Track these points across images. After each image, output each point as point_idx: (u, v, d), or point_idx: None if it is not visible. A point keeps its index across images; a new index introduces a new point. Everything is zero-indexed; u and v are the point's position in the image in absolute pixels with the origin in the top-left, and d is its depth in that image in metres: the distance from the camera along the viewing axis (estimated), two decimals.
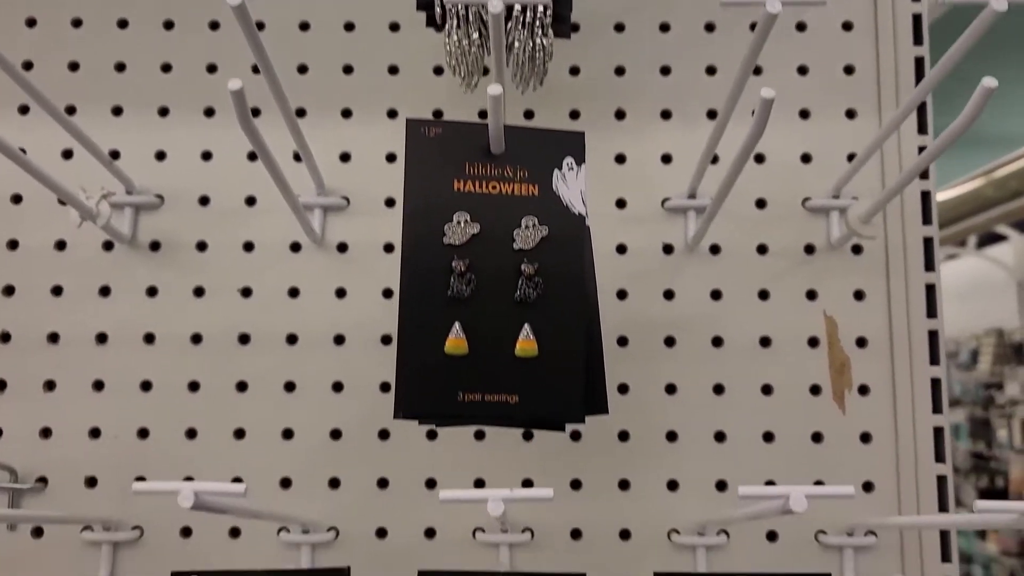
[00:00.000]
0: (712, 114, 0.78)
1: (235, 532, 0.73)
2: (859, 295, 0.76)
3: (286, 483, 0.74)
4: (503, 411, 0.56)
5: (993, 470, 4.02)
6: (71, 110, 0.78)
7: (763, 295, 0.76)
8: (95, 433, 0.74)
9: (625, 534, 0.74)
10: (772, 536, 0.73)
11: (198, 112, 0.79)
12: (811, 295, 0.76)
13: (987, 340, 3.97)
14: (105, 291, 0.76)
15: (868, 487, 0.74)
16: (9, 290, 0.76)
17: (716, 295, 0.76)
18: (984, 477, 4.08)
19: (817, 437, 0.74)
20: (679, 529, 0.73)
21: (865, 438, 0.74)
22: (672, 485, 0.74)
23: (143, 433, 0.74)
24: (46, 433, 0.74)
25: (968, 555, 4.06)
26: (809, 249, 0.77)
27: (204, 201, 0.77)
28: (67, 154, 0.77)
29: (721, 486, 0.74)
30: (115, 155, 0.77)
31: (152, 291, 0.76)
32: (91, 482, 0.73)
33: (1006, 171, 3.18)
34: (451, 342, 0.55)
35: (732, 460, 0.74)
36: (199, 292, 0.76)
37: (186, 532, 0.73)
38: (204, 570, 0.54)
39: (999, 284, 4.09)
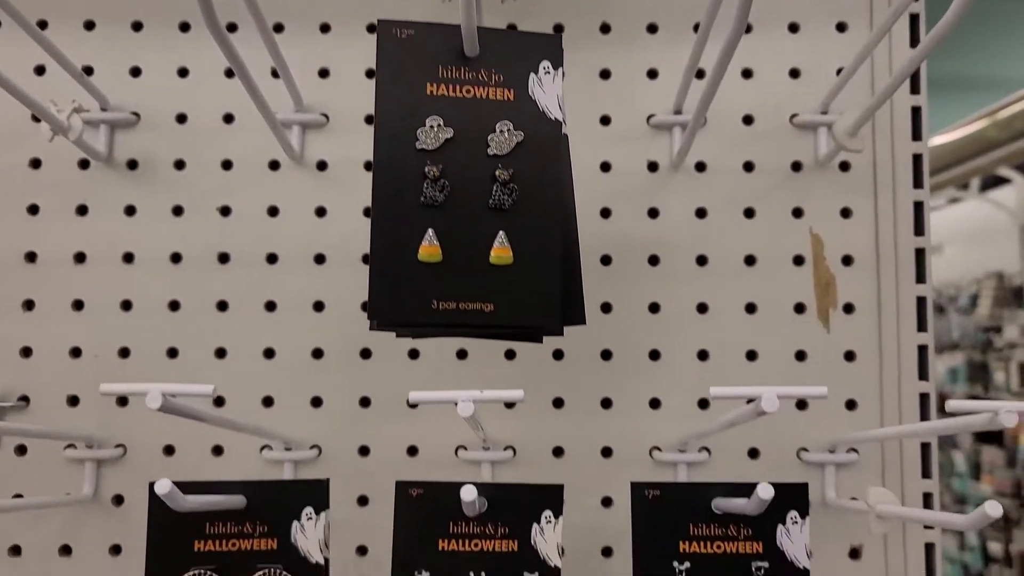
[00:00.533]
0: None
1: (218, 450, 0.73)
2: (846, 213, 0.75)
3: (268, 402, 0.74)
4: (479, 319, 0.55)
5: None
6: (43, 24, 0.76)
7: (749, 213, 0.75)
8: (76, 352, 0.74)
9: (607, 451, 0.74)
10: (753, 453, 0.73)
11: (173, 27, 0.77)
12: (797, 213, 0.75)
13: (987, 284, 3.96)
14: (82, 210, 0.75)
15: (851, 405, 0.74)
16: None
17: (701, 213, 0.75)
18: None
19: (801, 355, 0.74)
20: (660, 446, 0.73)
21: (849, 356, 0.74)
22: (654, 403, 0.74)
23: (124, 352, 0.74)
24: (26, 352, 0.74)
25: (962, 496, 4.11)
26: (796, 166, 0.75)
27: (181, 119, 0.76)
28: (39, 70, 0.76)
29: (703, 404, 0.74)
30: (88, 71, 0.76)
31: (130, 210, 0.75)
32: (73, 401, 0.74)
33: (1011, 111, 3.14)
34: (424, 249, 0.54)
35: (715, 379, 0.73)
36: (177, 211, 0.75)
37: (169, 450, 0.73)
38: (183, 480, 0.54)
39: (1002, 228, 4.07)
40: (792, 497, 0.59)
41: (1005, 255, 3.97)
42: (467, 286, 0.55)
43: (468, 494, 0.48)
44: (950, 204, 4.49)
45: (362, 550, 0.73)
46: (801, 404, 0.74)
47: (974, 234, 4.29)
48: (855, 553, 0.73)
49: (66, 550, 0.72)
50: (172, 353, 0.74)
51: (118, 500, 0.73)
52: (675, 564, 0.59)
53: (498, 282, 0.55)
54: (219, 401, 0.74)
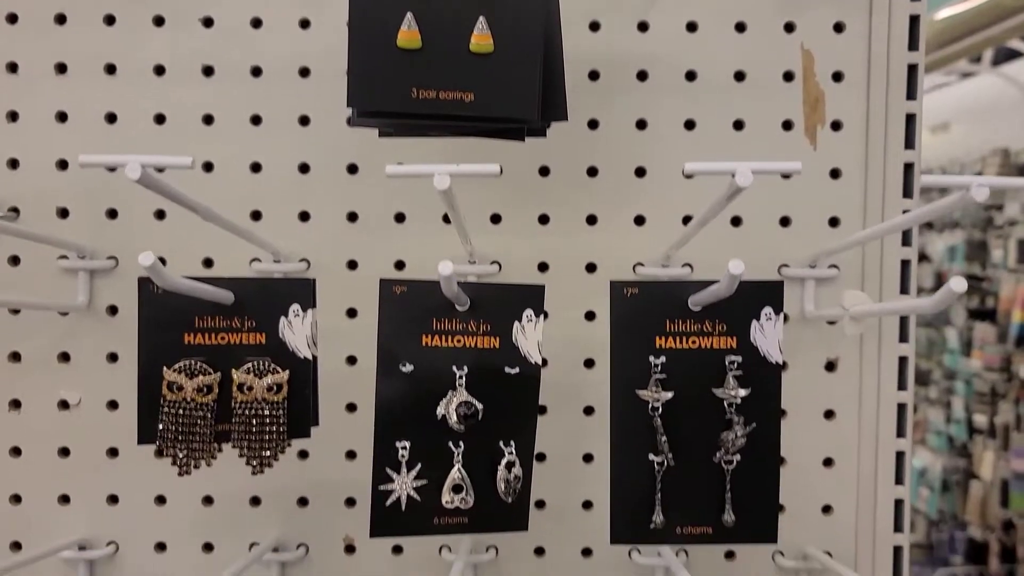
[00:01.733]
0: None
1: (208, 262, 0.75)
2: (839, 27, 0.73)
3: (256, 216, 0.75)
4: (458, 109, 0.55)
5: (984, 291, 4.07)
6: None
7: (739, 27, 0.74)
8: (63, 165, 0.74)
9: (591, 267, 0.75)
10: None
11: None
12: (789, 28, 0.74)
13: (992, 160, 3.91)
14: (61, 19, 0.74)
15: (834, 222, 0.74)
16: None
17: (691, 27, 0.74)
18: (975, 298, 4.14)
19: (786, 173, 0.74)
20: (644, 262, 0.74)
21: (835, 174, 0.74)
22: (639, 220, 0.75)
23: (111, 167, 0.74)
24: (14, 164, 0.74)
25: (952, 371, 4.19)
26: None
27: None
28: None
29: (688, 221, 0.74)
30: None
31: (110, 19, 0.74)
32: (63, 213, 0.74)
33: None
34: (403, 35, 0.54)
35: (700, 195, 0.74)
36: (159, 21, 0.74)
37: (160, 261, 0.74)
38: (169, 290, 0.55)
39: (1012, 103, 3.99)
40: (767, 293, 0.60)
41: (1013, 131, 3.91)
42: (447, 74, 0.54)
43: (445, 268, 0.49)
44: (961, 80, 4.39)
45: (352, 360, 0.75)
46: (784, 221, 0.74)
47: (982, 111, 4.21)
48: (831, 366, 0.75)
49: (65, 357, 0.74)
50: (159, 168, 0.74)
51: (112, 310, 0.74)
52: (651, 359, 0.61)
53: (478, 71, 0.54)
54: None
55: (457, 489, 0.61)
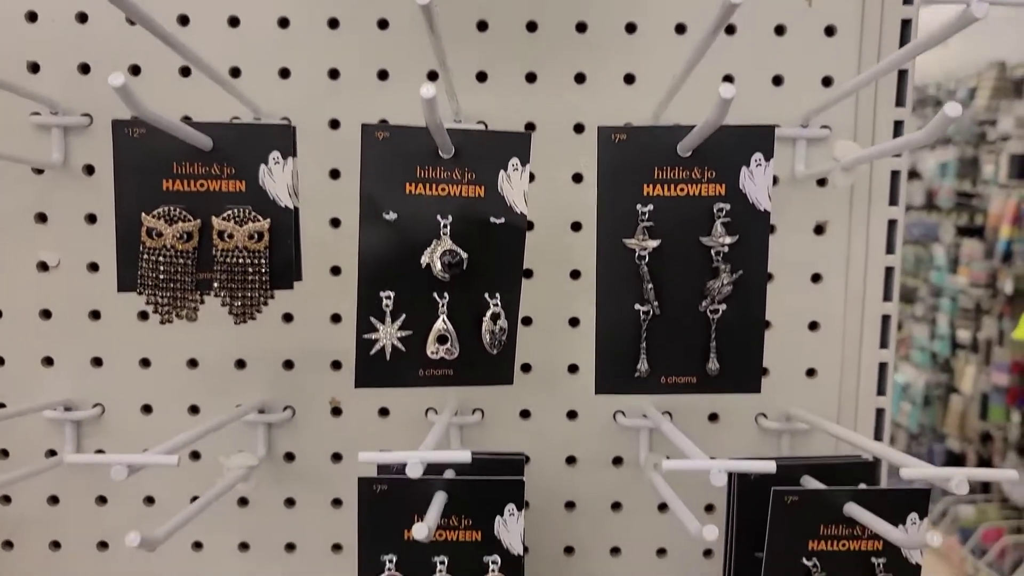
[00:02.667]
0: None
1: (186, 120, 0.72)
2: None
3: (235, 73, 0.72)
4: None
5: (974, 208, 4.07)
6: None
7: None
8: (32, 17, 0.71)
9: (579, 127, 0.73)
10: None
11: None
12: None
13: (988, 74, 3.86)
14: None
15: (827, 82, 0.72)
16: None
17: None
18: (965, 215, 4.14)
19: (780, 30, 0.72)
20: (633, 121, 0.73)
21: (829, 31, 0.72)
22: (629, 79, 0.73)
23: (82, 18, 0.71)
24: None
25: (938, 289, 4.22)
26: None
27: None
28: None
29: None
30: None
31: None
32: (33, 68, 0.72)
33: None
34: None
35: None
36: None
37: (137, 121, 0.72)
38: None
39: (1009, 17, 3.92)
40: (757, 139, 0.59)
41: (1010, 44, 3.85)
42: None
43: (426, 91, 0.48)
44: None
45: (335, 222, 0.74)
46: (777, 80, 0.72)
47: (980, 24, 4.13)
48: (820, 229, 0.74)
49: (42, 218, 0.73)
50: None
51: (89, 170, 0.73)
52: (638, 207, 0.60)
53: None
54: (185, 71, 0.72)
55: (442, 340, 0.61)
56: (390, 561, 0.63)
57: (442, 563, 0.63)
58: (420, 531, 0.51)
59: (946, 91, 4.25)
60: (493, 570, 0.63)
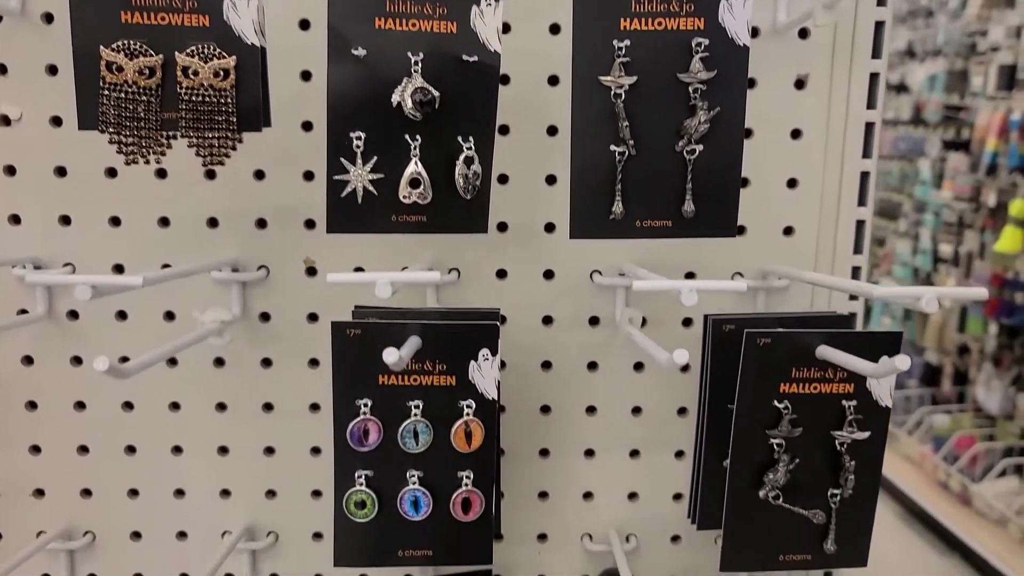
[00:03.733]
0: None
1: None
2: None
3: None
4: None
5: (961, 122, 4.04)
6: None
7: None
8: None
9: None
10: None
11: None
12: None
13: None
14: None
15: None
16: None
17: None
18: (951, 129, 4.12)
19: None
20: None
21: None
22: None
23: None
24: None
25: (922, 204, 4.23)
26: None
27: None
28: None
29: None
30: None
31: None
32: None
33: None
34: None
35: None
36: None
37: None
38: None
39: None
40: None
41: None
42: None
43: None
44: None
45: (306, 75, 0.72)
46: None
47: None
48: (800, 84, 0.73)
49: (1, 69, 0.71)
50: None
51: (47, 18, 0.70)
52: (615, 42, 0.58)
53: None
54: None
55: (414, 183, 0.60)
56: (365, 405, 0.63)
57: (417, 407, 0.63)
58: (390, 355, 0.51)
59: (937, 1, 4.18)
60: (468, 414, 0.63)
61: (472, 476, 0.64)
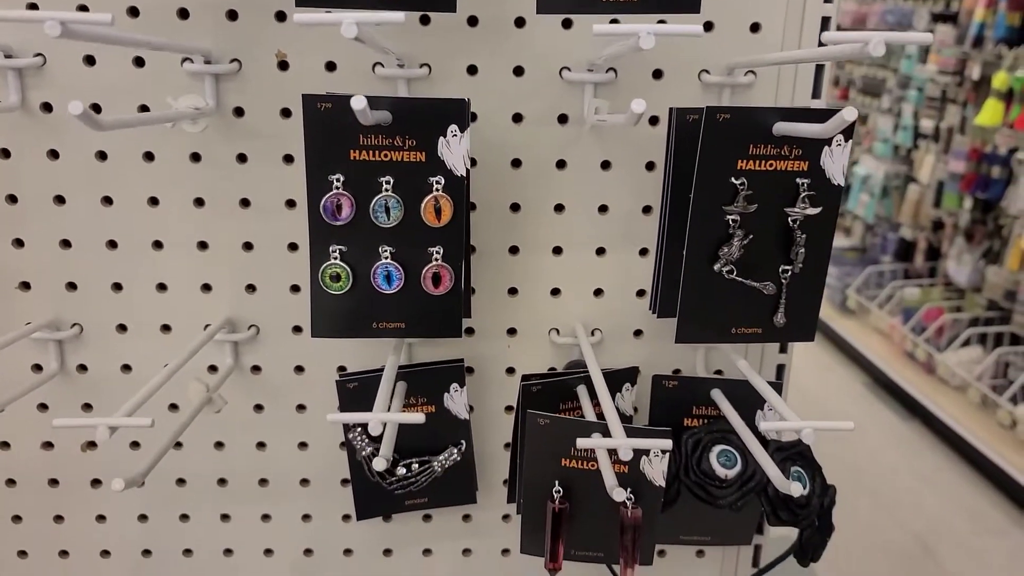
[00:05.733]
0: None
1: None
2: None
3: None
4: None
5: None
6: None
7: None
8: None
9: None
10: None
11: None
12: None
13: None
14: None
15: None
16: None
17: None
18: (940, 1, 4.06)
19: None
20: None
21: None
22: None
23: None
24: None
25: (906, 79, 4.20)
26: None
27: None
28: None
29: None
30: None
31: None
32: None
33: None
34: None
35: None
36: None
37: None
38: None
39: None
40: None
41: None
42: None
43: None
44: None
45: None
46: None
47: None
48: None
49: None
50: None
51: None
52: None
53: None
54: None
55: None
56: (337, 180, 0.65)
57: (387, 182, 0.65)
58: (358, 102, 0.53)
59: None
60: (437, 189, 0.66)
61: (442, 251, 0.67)
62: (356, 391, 0.80)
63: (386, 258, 0.67)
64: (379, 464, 0.62)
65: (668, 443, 0.63)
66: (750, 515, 0.86)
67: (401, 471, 0.82)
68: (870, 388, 3.84)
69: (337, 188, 0.65)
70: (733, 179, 0.65)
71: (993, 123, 3.44)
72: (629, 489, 0.71)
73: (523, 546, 0.77)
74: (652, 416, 0.81)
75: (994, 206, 3.63)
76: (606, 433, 0.63)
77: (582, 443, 0.61)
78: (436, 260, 0.67)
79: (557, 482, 0.73)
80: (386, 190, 0.66)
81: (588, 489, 0.73)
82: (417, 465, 0.82)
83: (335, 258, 0.67)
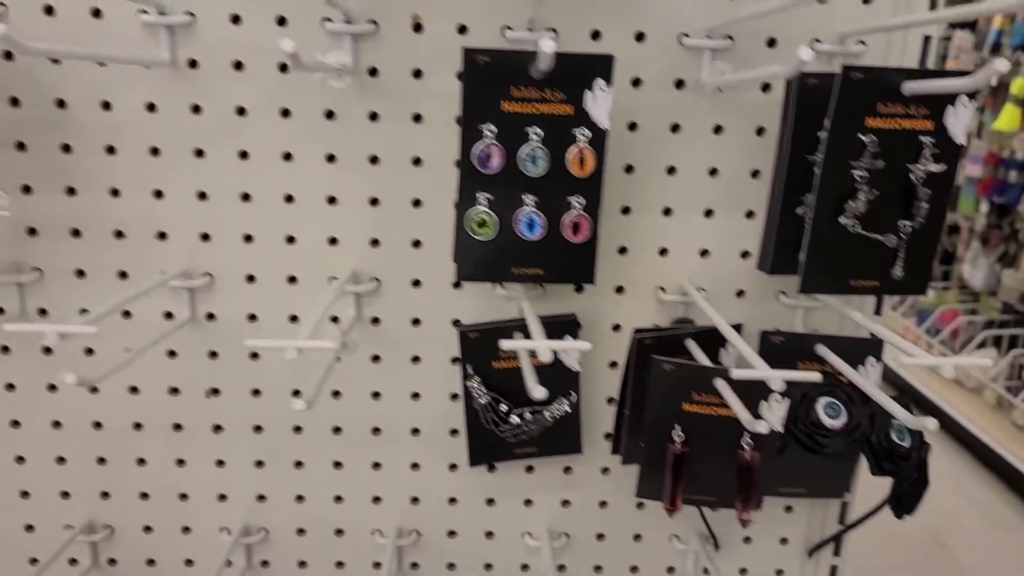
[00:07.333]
0: None
1: None
2: None
3: None
4: None
5: None
6: None
7: None
8: None
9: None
10: None
11: None
12: None
13: None
14: None
15: None
16: None
17: None
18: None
19: None
20: None
21: None
22: None
23: None
24: None
25: None
26: None
27: None
28: None
29: None
30: None
31: None
32: None
33: None
34: None
35: None
36: None
37: None
38: None
39: None
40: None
41: None
42: None
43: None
44: None
45: None
46: None
47: None
48: None
49: None
50: None
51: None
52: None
53: None
54: None
55: None
56: (489, 131, 0.69)
57: (536, 134, 0.69)
58: (548, 46, 0.57)
59: None
60: (582, 140, 0.70)
61: (584, 201, 0.71)
62: (477, 341, 0.84)
63: (529, 206, 0.71)
64: (539, 392, 0.65)
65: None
66: (845, 469, 0.90)
67: (515, 419, 0.85)
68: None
69: (488, 138, 0.69)
70: (861, 136, 0.69)
71: (1011, 128, 3.49)
72: (748, 434, 0.75)
73: (639, 490, 0.81)
74: None
75: (1010, 211, 3.68)
76: (727, 377, 0.66)
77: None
78: (577, 209, 0.71)
79: (679, 426, 0.77)
80: (534, 139, 0.69)
81: (706, 434, 0.77)
82: (530, 414, 0.86)
83: (482, 205, 0.71)
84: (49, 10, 0.77)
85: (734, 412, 0.72)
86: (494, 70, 0.67)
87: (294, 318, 0.87)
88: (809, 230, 0.71)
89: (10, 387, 0.89)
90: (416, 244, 0.86)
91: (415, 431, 0.92)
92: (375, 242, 0.85)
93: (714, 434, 0.76)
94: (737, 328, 0.86)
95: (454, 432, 0.92)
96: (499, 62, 0.67)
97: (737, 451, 0.76)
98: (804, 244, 0.72)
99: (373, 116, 0.82)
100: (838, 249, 0.72)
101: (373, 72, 0.81)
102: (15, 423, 0.90)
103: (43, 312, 0.86)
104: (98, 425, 0.90)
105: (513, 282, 0.72)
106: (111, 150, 0.81)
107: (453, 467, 0.94)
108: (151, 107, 0.80)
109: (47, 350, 0.87)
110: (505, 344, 0.61)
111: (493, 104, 0.68)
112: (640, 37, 0.81)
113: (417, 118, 0.82)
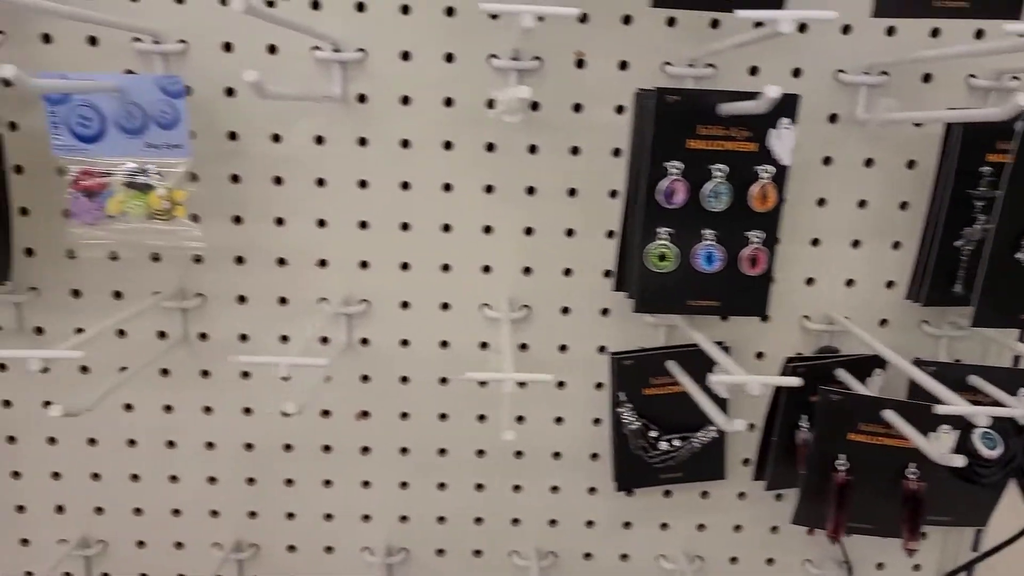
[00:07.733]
0: None
1: None
2: None
3: None
4: None
5: None
6: None
7: None
8: None
9: None
10: None
11: None
12: None
13: None
14: None
15: None
16: None
17: None
18: None
19: None
20: None
21: None
22: None
23: None
24: None
25: None
26: None
27: None
28: None
29: None
30: None
31: None
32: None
33: None
34: None
35: None
36: None
37: None
38: None
39: None
40: None
41: None
42: None
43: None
44: None
45: None
46: None
47: None
48: None
49: None
50: None
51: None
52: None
53: None
54: None
55: None
56: (675, 168, 0.71)
57: (720, 171, 0.71)
58: (773, 90, 0.58)
59: None
60: (765, 178, 0.71)
61: (763, 236, 0.73)
62: (631, 367, 0.85)
63: (709, 240, 0.72)
64: (738, 425, 0.67)
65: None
66: (991, 498, 0.90)
67: (664, 445, 0.87)
68: None
69: (674, 174, 0.71)
70: None
71: None
72: (915, 464, 0.77)
73: (796, 517, 0.82)
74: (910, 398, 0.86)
75: None
76: (898, 408, 0.68)
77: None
78: (755, 243, 0.73)
79: (844, 456, 0.78)
80: (718, 178, 0.71)
81: (869, 463, 0.78)
82: (679, 441, 0.87)
83: (663, 239, 0.72)
84: (228, 47, 0.79)
85: (906, 443, 0.73)
86: (683, 108, 0.69)
87: (444, 343, 0.89)
88: (986, 265, 0.72)
89: (127, 407, 0.91)
90: (567, 272, 0.87)
91: (556, 455, 0.94)
92: (527, 270, 0.87)
93: (878, 463, 0.78)
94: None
95: (594, 456, 0.94)
96: (688, 101, 0.69)
97: (901, 481, 0.77)
98: (978, 278, 0.73)
99: (532, 148, 0.84)
100: (1014, 284, 0.73)
101: (535, 106, 0.82)
102: (131, 442, 0.92)
103: (203, 336, 0.88)
104: (171, 444, 0.92)
105: (688, 314, 0.73)
106: (278, 180, 0.83)
107: (592, 490, 0.95)
108: (319, 140, 0.83)
109: (164, 372, 0.89)
110: (715, 379, 0.63)
111: (680, 142, 0.70)
112: (796, 73, 0.82)
113: (575, 150, 0.84)
